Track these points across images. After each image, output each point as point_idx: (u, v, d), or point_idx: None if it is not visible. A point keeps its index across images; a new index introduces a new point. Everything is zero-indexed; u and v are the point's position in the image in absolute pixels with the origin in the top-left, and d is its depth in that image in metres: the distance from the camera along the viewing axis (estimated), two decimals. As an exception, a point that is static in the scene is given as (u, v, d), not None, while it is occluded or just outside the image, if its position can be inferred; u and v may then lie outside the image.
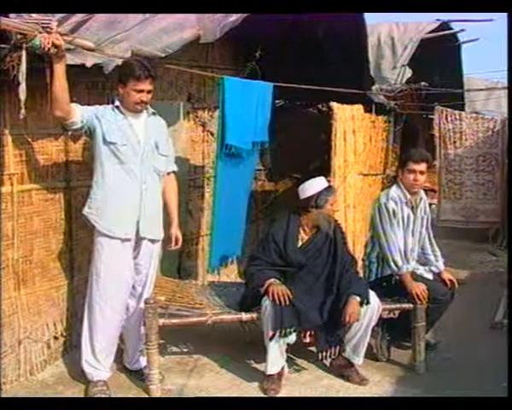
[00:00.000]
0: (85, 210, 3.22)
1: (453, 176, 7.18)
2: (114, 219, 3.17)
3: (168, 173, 3.44)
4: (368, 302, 3.41)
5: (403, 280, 3.69)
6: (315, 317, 3.36)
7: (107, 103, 3.71)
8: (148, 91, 3.17)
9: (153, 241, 3.34)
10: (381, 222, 3.79)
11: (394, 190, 3.86)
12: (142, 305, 3.33)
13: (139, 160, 3.19)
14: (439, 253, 4.08)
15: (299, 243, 3.63)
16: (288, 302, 3.29)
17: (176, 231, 3.49)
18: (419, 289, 3.62)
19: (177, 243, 3.50)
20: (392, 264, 3.73)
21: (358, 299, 3.37)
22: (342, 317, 3.32)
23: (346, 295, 3.37)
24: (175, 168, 3.52)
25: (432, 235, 4.12)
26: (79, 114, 3.06)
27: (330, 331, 3.39)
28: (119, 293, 3.24)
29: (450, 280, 3.92)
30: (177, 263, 4.98)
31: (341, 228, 3.78)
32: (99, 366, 3.25)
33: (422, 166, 3.81)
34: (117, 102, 3.19)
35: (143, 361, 3.45)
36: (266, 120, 4.43)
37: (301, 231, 3.63)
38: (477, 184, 7.23)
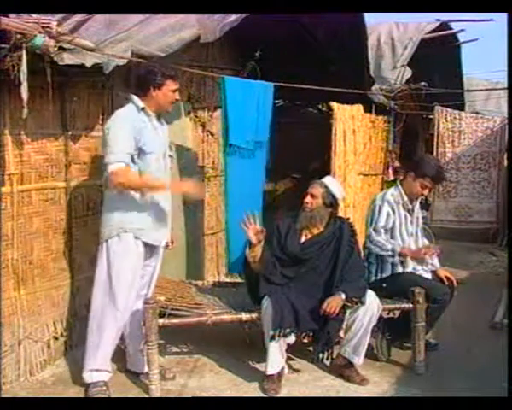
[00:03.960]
0: (127, 226, 3.13)
1: (449, 174, 7.17)
2: (153, 226, 3.21)
3: None
4: (362, 303, 3.40)
5: (404, 254, 3.71)
6: (312, 320, 3.34)
7: (107, 103, 3.74)
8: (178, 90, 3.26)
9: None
10: (372, 220, 3.82)
11: (391, 192, 3.86)
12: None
13: (163, 163, 3.24)
14: None
15: (303, 239, 3.63)
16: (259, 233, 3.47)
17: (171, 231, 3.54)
18: (424, 251, 3.66)
19: (173, 243, 3.53)
20: (384, 253, 3.75)
21: (343, 296, 3.35)
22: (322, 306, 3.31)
23: (334, 291, 3.38)
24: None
25: (422, 233, 4.12)
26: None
27: (327, 333, 3.38)
28: (133, 294, 3.25)
29: (448, 277, 3.91)
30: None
31: (353, 230, 3.66)
32: (103, 367, 3.23)
33: (436, 186, 3.81)
34: (142, 104, 3.13)
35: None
36: (267, 120, 4.43)
37: (307, 227, 3.63)
38: (473, 182, 7.23)
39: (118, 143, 3.03)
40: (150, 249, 3.29)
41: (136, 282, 3.26)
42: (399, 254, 3.75)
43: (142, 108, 3.13)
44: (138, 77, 3.21)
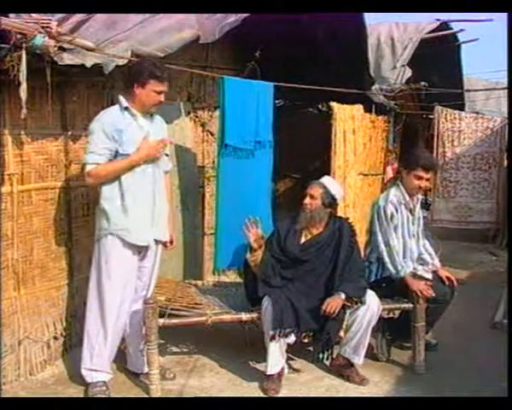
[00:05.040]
0: (112, 228, 3.12)
1: (449, 174, 7.17)
2: (138, 226, 3.16)
3: (166, 172, 3.43)
4: (362, 303, 3.40)
5: (405, 282, 3.68)
6: (312, 320, 3.34)
7: (107, 103, 3.73)
8: (165, 92, 3.18)
9: (158, 242, 3.35)
10: (380, 226, 3.78)
11: (393, 193, 3.84)
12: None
13: (151, 162, 3.19)
14: (432, 250, 4.08)
15: (303, 240, 3.62)
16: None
17: (172, 232, 3.51)
18: (421, 286, 3.62)
19: (172, 243, 3.51)
20: (390, 268, 3.73)
21: (343, 296, 3.35)
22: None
23: (334, 291, 3.38)
24: (170, 167, 3.54)
25: (423, 234, 4.11)
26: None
27: (327, 333, 3.37)
28: (128, 296, 3.24)
29: (448, 278, 3.91)
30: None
31: (353, 230, 3.66)
32: (102, 368, 3.23)
33: (430, 174, 3.81)
34: (126, 103, 3.11)
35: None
36: (268, 120, 4.42)
37: (307, 228, 3.63)
38: (473, 182, 7.23)
39: (95, 144, 3.04)
40: (141, 250, 3.26)
41: (129, 284, 3.23)
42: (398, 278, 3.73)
43: (126, 108, 3.10)
44: (127, 72, 3.19)
